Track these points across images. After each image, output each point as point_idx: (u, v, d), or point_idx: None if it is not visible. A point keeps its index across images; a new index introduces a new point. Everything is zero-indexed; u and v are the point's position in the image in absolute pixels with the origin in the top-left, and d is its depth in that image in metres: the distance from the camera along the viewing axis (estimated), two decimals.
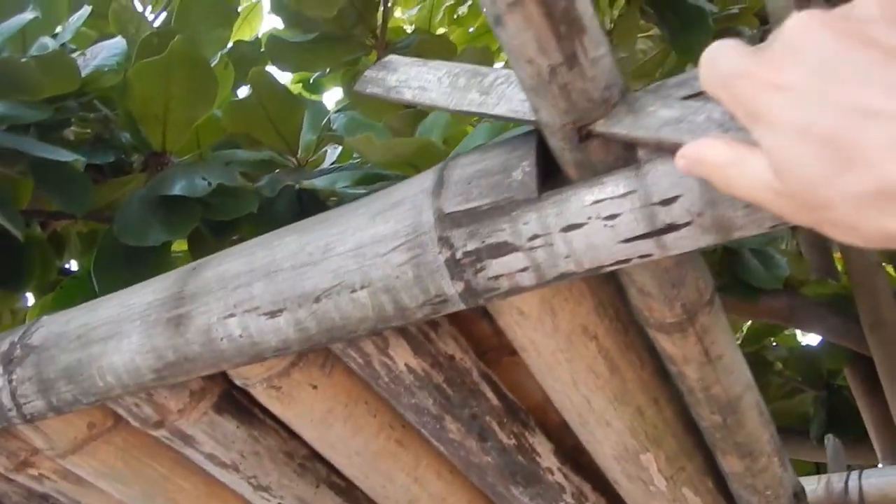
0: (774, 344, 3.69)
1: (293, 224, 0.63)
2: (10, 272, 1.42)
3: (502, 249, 0.48)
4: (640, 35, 2.58)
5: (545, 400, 0.77)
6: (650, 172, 0.43)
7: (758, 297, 2.67)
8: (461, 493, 0.86)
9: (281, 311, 0.56)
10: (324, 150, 1.91)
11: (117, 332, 0.66)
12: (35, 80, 1.13)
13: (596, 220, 0.45)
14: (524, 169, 0.48)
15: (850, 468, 1.36)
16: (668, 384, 0.70)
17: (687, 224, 0.43)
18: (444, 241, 0.49)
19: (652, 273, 0.53)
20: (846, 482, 1.21)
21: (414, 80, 0.54)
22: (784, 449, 0.74)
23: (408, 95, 0.54)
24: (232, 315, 0.59)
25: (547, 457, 0.79)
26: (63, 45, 1.51)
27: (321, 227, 0.58)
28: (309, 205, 1.65)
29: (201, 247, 1.61)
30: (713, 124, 0.40)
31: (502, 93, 0.51)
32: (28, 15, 1.17)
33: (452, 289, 0.50)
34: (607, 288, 0.61)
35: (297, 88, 2.65)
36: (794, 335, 3.93)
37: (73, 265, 2.05)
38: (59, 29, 1.61)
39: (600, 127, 0.45)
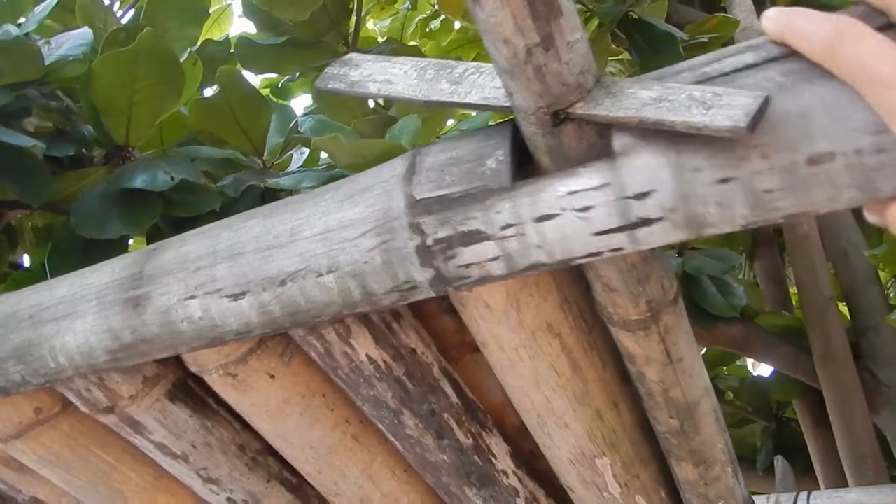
0: (726, 374, 3.76)
1: (258, 208, 0.62)
2: None
3: (474, 238, 0.48)
4: (610, 59, 2.63)
5: (505, 402, 0.77)
6: (625, 165, 0.44)
7: (714, 325, 2.71)
8: (415, 493, 0.85)
9: (244, 293, 0.56)
10: (290, 153, 1.90)
11: (72, 311, 0.65)
12: None
13: (569, 212, 0.45)
14: (498, 157, 0.48)
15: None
16: (628, 388, 0.71)
17: (659, 219, 0.43)
18: (415, 228, 0.49)
19: (618, 269, 0.54)
20: (794, 502, 1.23)
21: (378, 74, 0.54)
22: (737, 460, 0.75)
23: (372, 89, 0.54)
24: (193, 297, 0.58)
25: (503, 459, 0.78)
26: (27, 34, 1.48)
27: (288, 210, 0.57)
28: None
29: None
30: (695, 102, 0.41)
31: (473, 82, 0.51)
32: None
33: (422, 276, 0.50)
34: (574, 285, 0.62)
35: (265, 94, 2.63)
36: (745, 366, 4.01)
37: (26, 261, 1.99)
38: (22, 20, 1.58)
39: (580, 110, 0.45)
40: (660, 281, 0.56)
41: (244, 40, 2.02)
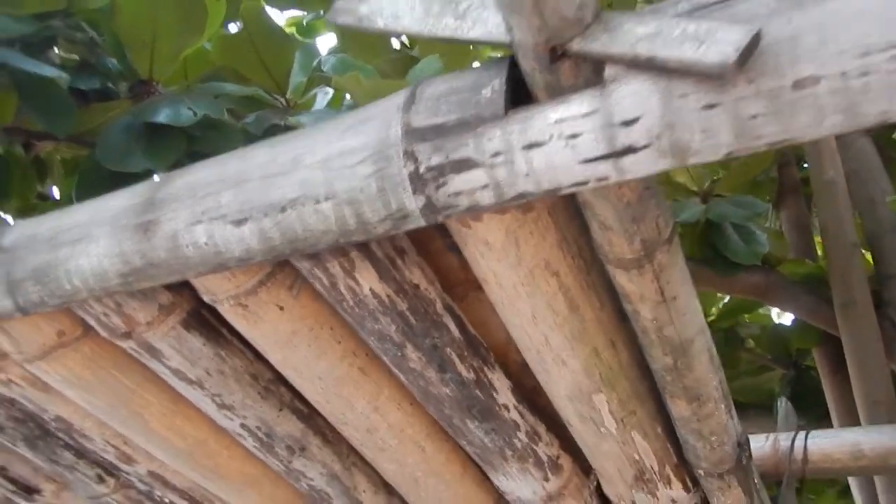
0: (747, 321, 3.74)
1: (268, 139, 0.63)
2: None
3: (464, 165, 0.48)
4: (640, 3, 2.56)
5: (507, 339, 0.78)
6: (615, 92, 0.44)
7: (736, 272, 2.70)
8: (419, 425, 0.88)
9: (247, 219, 0.57)
10: (313, 93, 1.90)
11: (87, 235, 0.67)
12: None
13: (558, 140, 0.46)
14: (493, 87, 0.48)
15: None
16: (625, 327, 0.72)
17: (645, 147, 0.44)
18: (409, 155, 0.50)
19: (614, 207, 0.54)
20: (793, 441, 1.26)
21: (386, 8, 0.54)
22: (730, 397, 0.76)
23: (380, 23, 0.54)
24: (199, 222, 0.60)
25: (504, 393, 0.80)
26: None
27: (294, 139, 0.58)
28: None
29: None
30: (688, 38, 0.41)
31: (477, 17, 0.51)
32: None
33: (413, 203, 0.51)
34: (572, 225, 0.62)
35: (290, 31, 2.62)
36: (768, 314, 3.99)
37: (56, 193, 2.04)
38: None
39: (576, 45, 0.45)
40: (655, 220, 0.56)
41: None
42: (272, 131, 1.64)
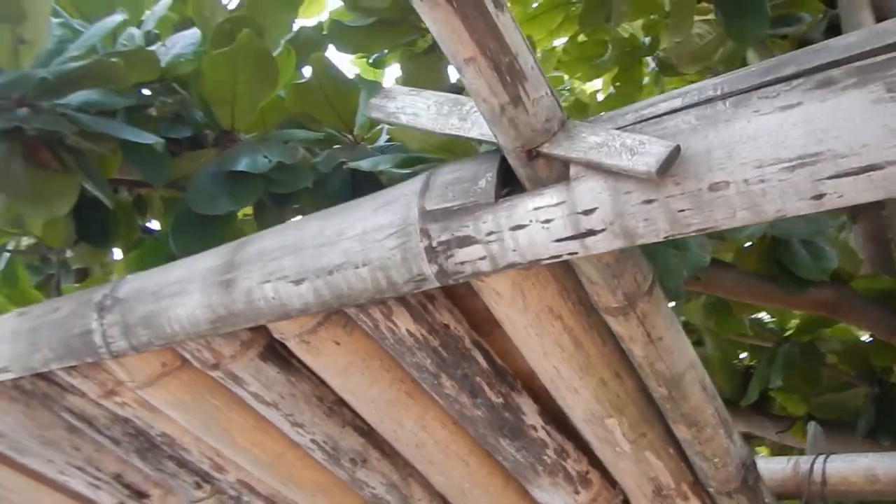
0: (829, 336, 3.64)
1: (320, 212, 0.78)
2: (99, 232, 1.64)
3: (466, 241, 0.61)
4: (697, 19, 2.60)
5: (532, 368, 0.90)
6: (577, 188, 0.56)
7: (805, 289, 2.67)
8: (463, 442, 1.01)
9: (303, 280, 0.72)
10: (379, 126, 2.06)
11: (183, 290, 0.83)
12: (121, 73, 1.31)
13: (536, 223, 0.58)
14: (487, 179, 0.61)
15: None
16: (628, 361, 0.83)
17: (602, 230, 0.55)
18: (424, 233, 0.63)
19: (595, 266, 0.66)
20: (812, 464, 1.30)
21: (409, 107, 0.67)
22: (731, 422, 0.85)
23: (403, 120, 0.68)
24: (267, 281, 0.75)
25: (532, 416, 0.92)
26: (147, 32, 1.70)
27: (339, 215, 0.73)
28: (362, 180, 1.81)
29: (264, 215, 1.80)
30: (625, 148, 0.53)
31: (475, 119, 0.64)
32: (118, 17, 1.35)
33: (429, 270, 0.64)
34: (569, 278, 0.74)
35: (360, 63, 2.80)
36: (851, 328, 3.87)
37: (156, 224, 2.28)
38: (146, 14, 1.81)
39: (546, 149, 0.57)
40: (633, 276, 0.67)
41: (336, 24, 2.18)
42: (339, 169, 1.81)
